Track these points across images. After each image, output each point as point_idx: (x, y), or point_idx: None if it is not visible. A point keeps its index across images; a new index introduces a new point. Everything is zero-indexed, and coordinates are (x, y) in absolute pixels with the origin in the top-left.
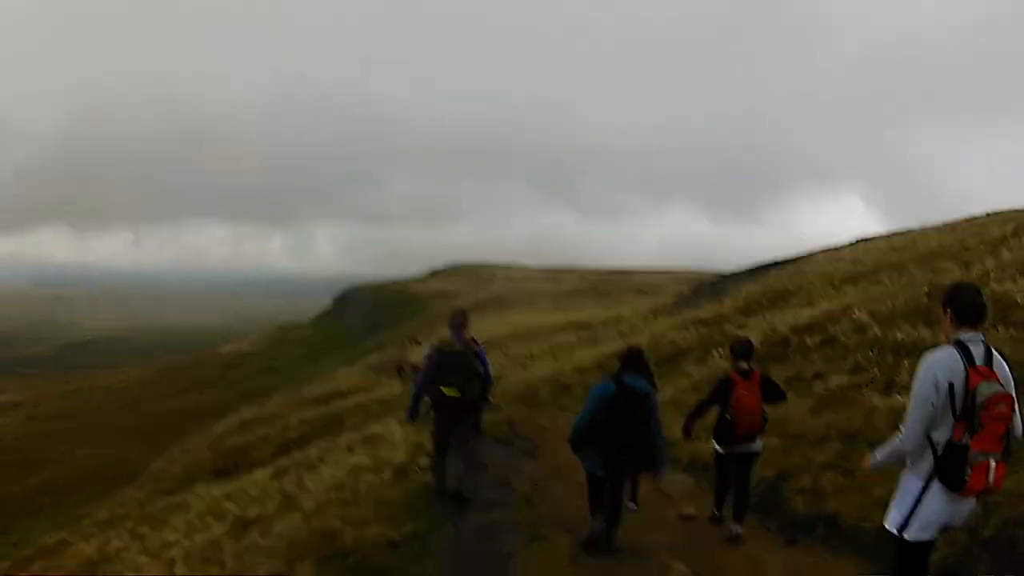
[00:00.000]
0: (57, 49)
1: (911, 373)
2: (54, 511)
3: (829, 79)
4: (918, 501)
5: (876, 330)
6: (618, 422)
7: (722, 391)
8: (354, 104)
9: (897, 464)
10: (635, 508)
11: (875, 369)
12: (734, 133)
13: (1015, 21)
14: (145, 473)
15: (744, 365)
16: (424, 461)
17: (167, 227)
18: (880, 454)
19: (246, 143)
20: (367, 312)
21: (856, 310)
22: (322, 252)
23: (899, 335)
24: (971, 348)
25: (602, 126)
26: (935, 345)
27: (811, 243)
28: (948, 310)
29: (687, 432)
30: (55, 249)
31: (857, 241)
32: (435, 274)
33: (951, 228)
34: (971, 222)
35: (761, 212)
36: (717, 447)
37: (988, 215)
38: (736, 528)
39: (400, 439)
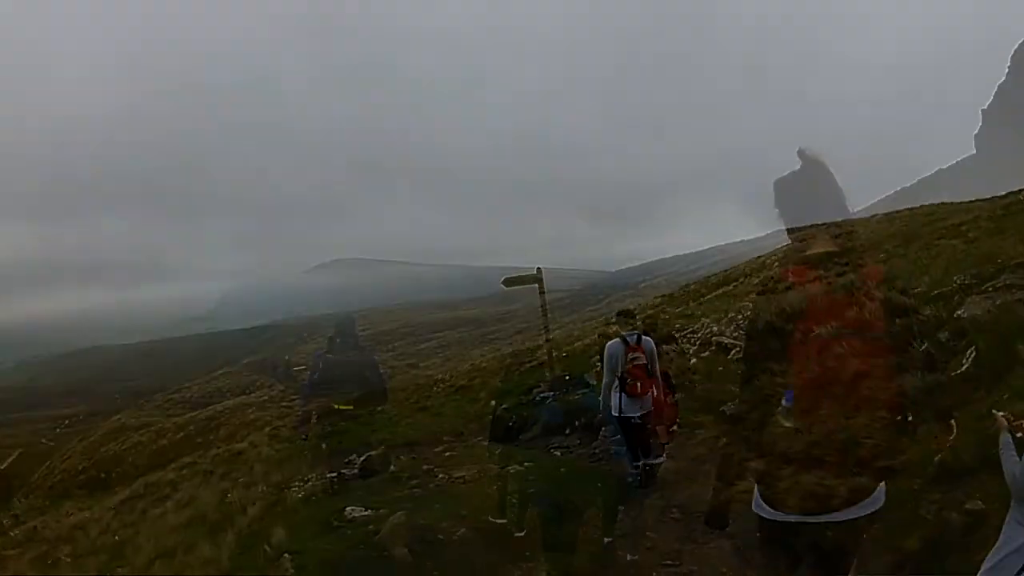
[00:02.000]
0: None
1: None
2: None
3: (704, 81)
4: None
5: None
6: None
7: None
8: (250, 94)
9: None
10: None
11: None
12: (608, 138)
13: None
14: (28, 484)
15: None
16: (279, 534)
17: (70, 219)
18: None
19: (146, 130)
20: (252, 309)
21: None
22: (215, 245)
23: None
24: None
25: (477, 131)
26: None
27: (691, 245)
28: None
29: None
30: None
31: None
32: (321, 268)
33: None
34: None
35: (636, 217)
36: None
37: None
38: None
39: (260, 471)
